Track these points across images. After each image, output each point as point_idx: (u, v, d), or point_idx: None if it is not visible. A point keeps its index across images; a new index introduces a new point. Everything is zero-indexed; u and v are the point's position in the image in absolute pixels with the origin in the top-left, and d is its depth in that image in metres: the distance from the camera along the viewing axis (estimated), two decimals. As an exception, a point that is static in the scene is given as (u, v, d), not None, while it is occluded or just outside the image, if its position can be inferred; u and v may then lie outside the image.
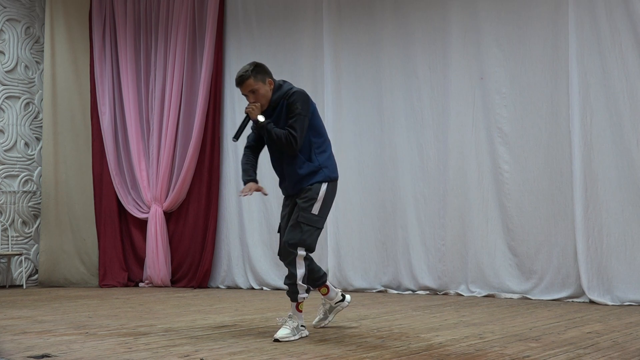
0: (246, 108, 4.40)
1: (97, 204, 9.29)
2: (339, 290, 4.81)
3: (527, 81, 7.03)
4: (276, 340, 4.16)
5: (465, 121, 7.33)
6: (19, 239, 9.34)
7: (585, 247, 6.50)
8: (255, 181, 4.51)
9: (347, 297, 4.82)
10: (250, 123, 4.52)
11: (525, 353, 3.68)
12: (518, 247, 7.00)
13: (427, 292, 7.46)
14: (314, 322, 4.79)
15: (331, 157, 4.49)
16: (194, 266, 8.90)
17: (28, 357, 3.70)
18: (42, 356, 3.71)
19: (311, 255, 4.41)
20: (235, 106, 8.86)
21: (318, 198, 4.35)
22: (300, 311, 4.35)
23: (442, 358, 3.57)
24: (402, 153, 7.69)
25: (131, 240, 9.35)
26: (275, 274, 8.37)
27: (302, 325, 4.33)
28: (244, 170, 4.58)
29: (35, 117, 9.56)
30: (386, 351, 3.79)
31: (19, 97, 9.45)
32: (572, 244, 6.66)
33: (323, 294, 4.70)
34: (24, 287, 9.08)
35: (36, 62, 9.63)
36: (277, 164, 4.50)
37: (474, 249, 7.21)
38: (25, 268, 9.27)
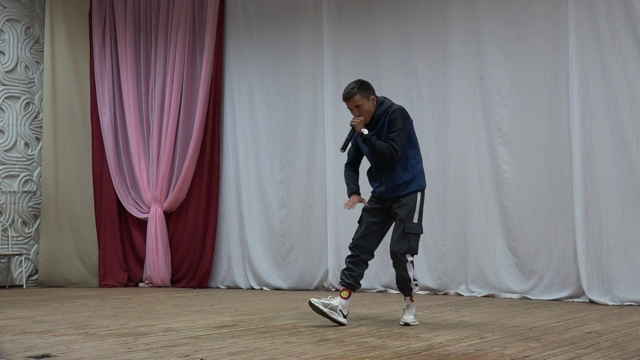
0: (352, 121, 4.85)
1: (97, 204, 9.30)
2: (348, 311, 4.99)
3: (527, 81, 7.03)
4: (406, 324, 4.83)
5: (465, 121, 7.33)
6: (19, 239, 9.34)
7: (585, 247, 6.50)
8: (358, 193, 5.01)
9: (346, 320, 4.90)
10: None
11: (525, 353, 3.68)
12: (518, 247, 7.00)
13: (427, 292, 7.46)
14: (314, 299, 4.85)
15: (422, 169, 4.98)
16: (194, 266, 8.90)
17: (28, 357, 3.70)
18: (42, 356, 3.71)
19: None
20: (235, 106, 8.86)
21: (416, 208, 4.85)
22: (413, 301, 4.96)
23: (442, 358, 3.57)
24: (402, 153, 7.68)
25: (131, 240, 9.35)
26: (275, 274, 8.37)
27: (415, 313, 4.97)
28: (348, 185, 5.06)
29: (35, 117, 9.57)
30: (386, 351, 3.78)
31: (19, 97, 9.45)
32: (572, 244, 6.66)
33: (343, 297, 4.85)
34: (24, 287, 9.08)
35: (36, 62, 9.63)
36: (378, 172, 4.94)
37: (474, 249, 7.21)
38: (25, 268, 9.27)
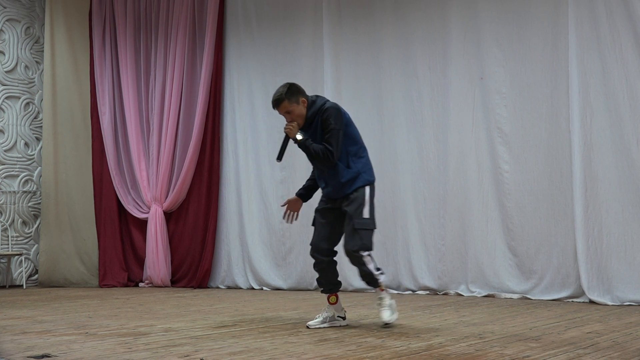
0: (285, 128, 4.73)
1: (97, 204, 9.30)
2: (344, 310, 4.97)
3: (527, 81, 7.04)
4: (386, 325, 4.69)
5: (465, 121, 7.33)
6: (19, 239, 9.34)
7: (585, 247, 6.50)
8: (299, 196, 5.02)
9: (347, 321, 4.92)
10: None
11: (525, 353, 3.68)
12: (518, 247, 7.00)
13: (427, 292, 7.46)
14: (310, 322, 4.82)
15: (367, 162, 4.82)
16: (194, 266, 8.90)
17: (28, 357, 3.70)
18: (42, 356, 3.71)
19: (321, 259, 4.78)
20: (235, 106, 8.87)
21: (365, 203, 4.69)
22: (383, 289, 4.79)
23: (442, 358, 3.57)
24: (402, 153, 7.69)
25: (131, 240, 9.35)
26: (275, 274, 8.37)
27: (392, 300, 4.83)
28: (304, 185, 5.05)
29: (35, 117, 9.57)
30: (386, 351, 3.78)
31: (19, 97, 9.45)
32: (572, 244, 6.66)
33: (331, 303, 4.83)
34: (24, 287, 9.08)
35: (36, 62, 9.63)
36: (321, 174, 4.83)
37: (474, 249, 7.21)
38: (25, 268, 9.27)
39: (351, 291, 7.80)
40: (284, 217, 5.03)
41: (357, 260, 4.67)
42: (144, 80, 9.40)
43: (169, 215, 9.16)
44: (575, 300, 6.60)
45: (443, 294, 7.33)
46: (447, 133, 7.44)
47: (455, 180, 7.36)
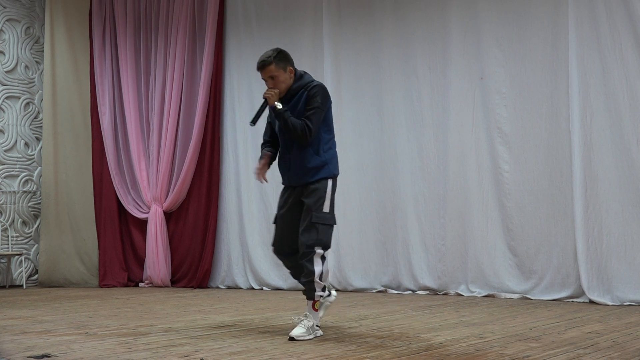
0: (265, 93, 4.44)
1: (97, 204, 9.29)
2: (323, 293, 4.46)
3: (527, 81, 7.04)
4: (291, 339, 4.17)
5: (465, 121, 7.33)
6: (19, 239, 9.34)
7: (585, 247, 6.50)
8: (270, 157, 4.58)
9: (333, 292, 4.56)
10: (267, 114, 4.55)
11: (525, 353, 3.68)
12: (518, 247, 7.00)
13: (427, 292, 7.46)
14: (294, 333, 4.27)
15: (335, 155, 4.54)
16: (194, 266, 8.90)
17: (28, 357, 3.70)
18: (42, 356, 3.71)
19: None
20: (235, 106, 8.86)
21: (327, 196, 4.41)
22: (316, 310, 4.35)
23: (442, 358, 3.57)
24: (402, 153, 7.69)
25: (131, 240, 9.35)
26: (275, 274, 8.37)
27: (317, 325, 4.35)
28: (263, 148, 4.64)
29: (35, 117, 9.57)
30: (386, 351, 3.78)
31: (19, 97, 9.45)
32: (572, 244, 6.66)
33: (316, 309, 4.40)
34: (24, 287, 9.08)
35: (36, 62, 9.63)
36: (285, 153, 4.50)
37: (474, 249, 7.21)
38: (25, 268, 9.27)
39: (351, 291, 7.81)
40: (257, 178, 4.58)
41: (306, 256, 4.28)
42: (144, 80, 9.40)
43: (169, 215, 9.16)
44: (575, 300, 6.60)
45: (443, 294, 7.33)
46: (447, 133, 7.44)
47: (455, 181, 7.36)
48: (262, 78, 4.47)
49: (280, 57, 4.40)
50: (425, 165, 7.56)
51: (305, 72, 4.54)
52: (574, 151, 6.61)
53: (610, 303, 6.29)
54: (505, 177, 7.09)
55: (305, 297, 4.38)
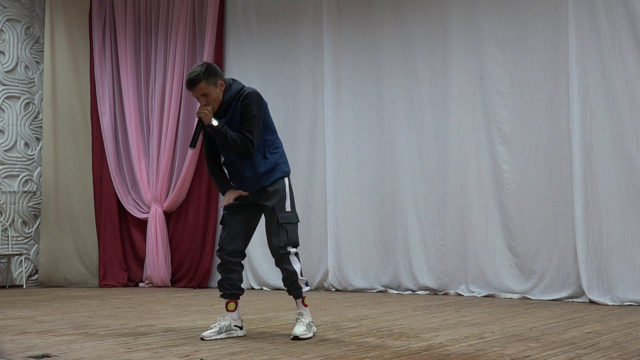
0: (197, 112, 4.32)
1: (97, 204, 9.29)
2: (242, 319, 4.57)
3: (527, 81, 7.04)
4: (296, 338, 4.22)
5: (465, 121, 7.33)
6: (19, 239, 9.34)
7: (585, 247, 6.50)
8: (232, 188, 4.48)
9: (244, 331, 4.52)
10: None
11: (525, 353, 3.68)
12: (518, 247, 7.00)
13: (427, 292, 7.46)
14: (205, 333, 4.34)
15: (284, 153, 4.51)
16: (194, 266, 8.90)
17: (28, 357, 3.70)
18: (42, 356, 3.71)
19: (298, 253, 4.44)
20: (235, 106, 8.85)
21: (286, 195, 4.40)
22: (306, 305, 4.43)
23: (442, 358, 3.57)
24: (402, 153, 7.69)
25: (131, 240, 9.35)
26: (275, 274, 8.35)
27: (311, 322, 4.41)
28: (217, 183, 4.54)
29: (35, 117, 9.57)
30: (386, 351, 3.78)
31: (19, 97, 9.45)
32: (572, 244, 6.66)
33: (229, 310, 4.44)
34: (24, 287, 9.08)
35: (36, 62, 9.63)
36: (232, 165, 4.44)
37: (474, 249, 7.21)
38: (25, 268, 9.27)
39: (351, 291, 7.81)
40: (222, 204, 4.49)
41: (282, 258, 4.32)
42: (144, 80, 9.40)
43: (169, 216, 9.16)
44: (575, 300, 6.60)
45: (443, 294, 7.33)
46: (447, 133, 7.44)
47: (455, 181, 7.36)
48: (193, 96, 4.34)
49: (209, 73, 4.26)
50: (425, 165, 7.56)
51: (234, 80, 4.43)
52: (574, 151, 6.61)
53: (610, 303, 6.29)
54: (505, 177, 7.09)
55: (292, 297, 4.44)
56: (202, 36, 9.01)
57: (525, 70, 7.04)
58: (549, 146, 6.89)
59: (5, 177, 9.26)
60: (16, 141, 9.39)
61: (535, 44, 7.00)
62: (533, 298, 6.78)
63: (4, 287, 9.06)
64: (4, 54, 9.36)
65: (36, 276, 9.38)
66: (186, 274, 8.95)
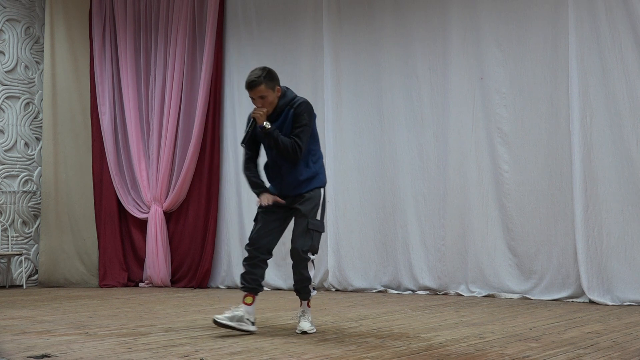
0: (253, 113, 4.51)
1: (97, 204, 9.29)
2: (255, 316, 4.62)
3: (527, 81, 7.04)
4: (304, 332, 4.49)
5: (465, 121, 7.33)
6: (19, 239, 9.34)
7: (585, 247, 6.50)
8: (268, 191, 4.65)
9: (256, 327, 4.57)
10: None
11: (525, 353, 3.68)
12: (518, 247, 7.00)
13: (427, 292, 7.46)
14: (218, 315, 4.48)
15: (323, 165, 4.74)
16: (194, 266, 8.90)
17: (28, 357, 3.70)
18: (42, 356, 3.71)
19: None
20: (235, 106, 8.86)
21: (319, 204, 4.59)
22: (309, 307, 4.70)
23: (442, 358, 3.57)
24: (402, 153, 7.69)
25: (131, 240, 9.35)
26: (275, 274, 8.36)
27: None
28: (254, 183, 4.69)
29: (35, 117, 9.57)
30: (386, 351, 3.78)
31: (19, 97, 9.45)
32: (572, 244, 6.66)
33: (246, 303, 4.53)
34: (24, 287, 9.08)
35: (36, 62, 9.63)
36: (275, 167, 4.63)
37: (474, 249, 7.21)
38: (25, 268, 9.27)
39: (351, 291, 7.81)
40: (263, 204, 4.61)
41: (301, 262, 4.50)
42: (144, 80, 9.40)
43: (169, 215, 9.16)
44: (575, 300, 6.60)
45: (443, 294, 7.33)
46: (447, 133, 7.44)
47: (455, 180, 7.36)
48: (250, 97, 4.51)
49: (269, 77, 4.46)
50: (425, 165, 7.56)
51: (288, 89, 4.63)
52: (574, 151, 6.61)
53: (610, 303, 6.29)
54: (505, 177, 7.09)
55: (299, 298, 4.67)
56: (202, 36, 9.01)
57: (525, 70, 7.04)
58: (549, 146, 6.89)
59: (5, 177, 9.26)
60: (16, 141, 9.39)
61: (535, 44, 7.00)
62: (533, 298, 6.78)
63: (4, 287, 9.06)
64: (4, 54, 9.35)
65: (36, 276, 9.38)
66: (186, 274, 8.95)
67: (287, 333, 4.53)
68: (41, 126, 9.49)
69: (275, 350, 3.84)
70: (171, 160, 9.06)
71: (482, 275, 7.13)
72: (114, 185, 9.29)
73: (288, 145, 4.46)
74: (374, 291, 7.75)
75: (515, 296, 6.90)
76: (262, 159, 4.76)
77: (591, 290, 6.43)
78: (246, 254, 4.60)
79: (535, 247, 6.91)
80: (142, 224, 9.25)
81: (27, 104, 9.52)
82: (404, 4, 7.79)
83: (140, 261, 9.24)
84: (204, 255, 8.76)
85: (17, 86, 9.45)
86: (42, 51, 9.60)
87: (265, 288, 8.37)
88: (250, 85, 4.44)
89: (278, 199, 4.59)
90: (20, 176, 9.40)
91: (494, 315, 5.51)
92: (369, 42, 7.97)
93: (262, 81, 4.41)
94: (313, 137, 4.63)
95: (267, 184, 4.74)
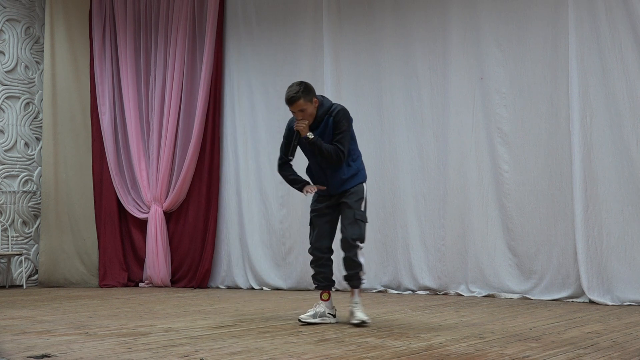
0: (295, 126, 4.86)
1: (97, 204, 9.30)
2: (335, 308, 5.10)
3: (527, 81, 7.04)
4: (362, 322, 4.78)
5: (465, 121, 7.33)
6: (19, 239, 9.34)
7: (585, 247, 6.50)
8: (308, 183, 5.03)
9: (336, 319, 5.04)
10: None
11: (525, 353, 3.68)
12: (518, 247, 7.00)
13: (427, 292, 7.46)
14: (302, 315, 5.00)
15: (362, 162, 5.09)
16: (194, 266, 8.90)
17: (28, 357, 3.70)
18: (42, 356, 3.71)
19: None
20: (235, 106, 8.86)
21: (363, 197, 4.98)
22: (361, 296, 4.98)
23: (442, 358, 3.57)
24: (402, 153, 7.69)
25: (131, 240, 9.35)
26: (275, 274, 8.37)
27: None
28: (293, 180, 5.05)
29: (35, 117, 9.57)
30: (386, 351, 3.78)
31: (19, 97, 9.45)
32: (572, 244, 6.66)
33: (324, 299, 5.02)
34: (24, 287, 9.08)
35: (36, 62, 9.63)
36: (319, 170, 4.98)
37: (474, 249, 7.21)
38: (25, 268, 9.28)
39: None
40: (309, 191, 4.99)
41: (352, 249, 4.83)
42: (144, 80, 9.40)
43: (169, 215, 9.16)
44: (575, 300, 6.60)
45: (443, 294, 7.33)
46: (447, 133, 7.44)
47: (455, 180, 7.36)
48: (291, 111, 4.86)
49: (306, 91, 4.81)
50: (425, 165, 7.56)
51: (324, 97, 4.98)
52: (574, 151, 6.61)
53: (610, 303, 6.29)
54: (505, 177, 7.09)
55: (350, 286, 4.96)
56: (202, 36, 9.01)
57: (525, 70, 7.04)
58: (549, 146, 6.89)
59: (5, 177, 9.26)
60: (16, 141, 9.39)
61: (535, 44, 7.00)
62: (533, 298, 6.78)
63: (4, 287, 9.06)
64: (4, 54, 9.36)
65: (36, 276, 9.38)
66: (186, 274, 8.95)
67: (287, 333, 4.53)
68: (41, 126, 9.49)
69: (275, 350, 3.84)
70: (171, 160, 9.06)
71: (482, 275, 7.14)
72: (114, 185, 9.29)
73: (332, 152, 4.81)
74: (374, 291, 7.75)
75: (515, 296, 6.90)
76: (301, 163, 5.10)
77: (591, 290, 6.43)
78: (311, 257, 5.04)
79: (535, 247, 6.91)
80: (142, 224, 9.25)
81: (27, 104, 9.52)
82: (404, 4, 7.79)
83: (140, 261, 9.25)
84: (204, 255, 8.76)
85: (17, 86, 9.45)
86: (42, 51, 9.60)
87: (264, 288, 8.41)
88: (290, 101, 4.78)
89: (320, 186, 4.95)
90: (20, 176, 9.40)
91: (494, 315, 5.50)
92: (369, 42, 7.97)
93: (300, 96, 4.76)
94: (352, 139, 4.98)
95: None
